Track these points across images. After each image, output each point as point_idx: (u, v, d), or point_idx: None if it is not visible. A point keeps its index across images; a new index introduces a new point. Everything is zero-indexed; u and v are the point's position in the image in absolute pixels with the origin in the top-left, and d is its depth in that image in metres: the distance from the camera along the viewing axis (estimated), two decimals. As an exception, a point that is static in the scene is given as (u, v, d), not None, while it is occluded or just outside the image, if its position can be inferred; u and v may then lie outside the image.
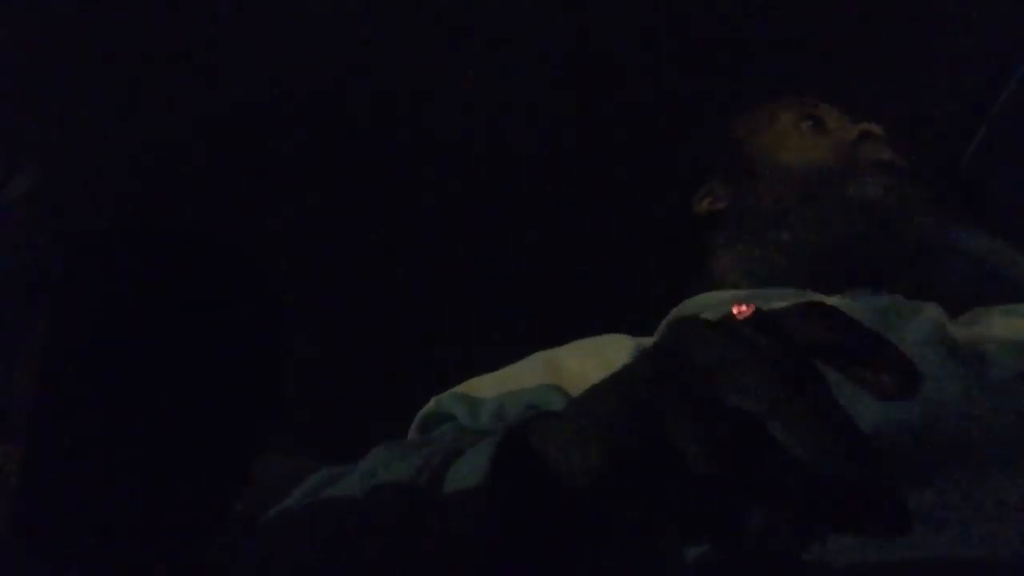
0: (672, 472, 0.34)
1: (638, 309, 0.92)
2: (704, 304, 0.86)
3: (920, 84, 1.05)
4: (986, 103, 1.04)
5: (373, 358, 0.93)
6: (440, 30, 0.99)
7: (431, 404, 0.79)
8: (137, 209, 0.94)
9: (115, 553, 0.42)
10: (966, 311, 0.76)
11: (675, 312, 0.88)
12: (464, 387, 0.79)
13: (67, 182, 0.91)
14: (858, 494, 0.33)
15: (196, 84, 0.95)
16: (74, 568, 0.42)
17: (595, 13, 1.02)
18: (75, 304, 0.44)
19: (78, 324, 0.44)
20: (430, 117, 1.03)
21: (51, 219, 0.85)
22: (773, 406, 0.34)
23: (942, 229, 0.84)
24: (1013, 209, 0.99)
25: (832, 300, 0.74)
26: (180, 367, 0.43)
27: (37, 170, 0.85)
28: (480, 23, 0.99)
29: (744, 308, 0.39)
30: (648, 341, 0.80)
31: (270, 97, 0.98)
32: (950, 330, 0.67)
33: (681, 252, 0.96)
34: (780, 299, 0.79)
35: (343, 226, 1.04)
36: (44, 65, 0.90)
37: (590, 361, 0.76)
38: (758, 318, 0.38)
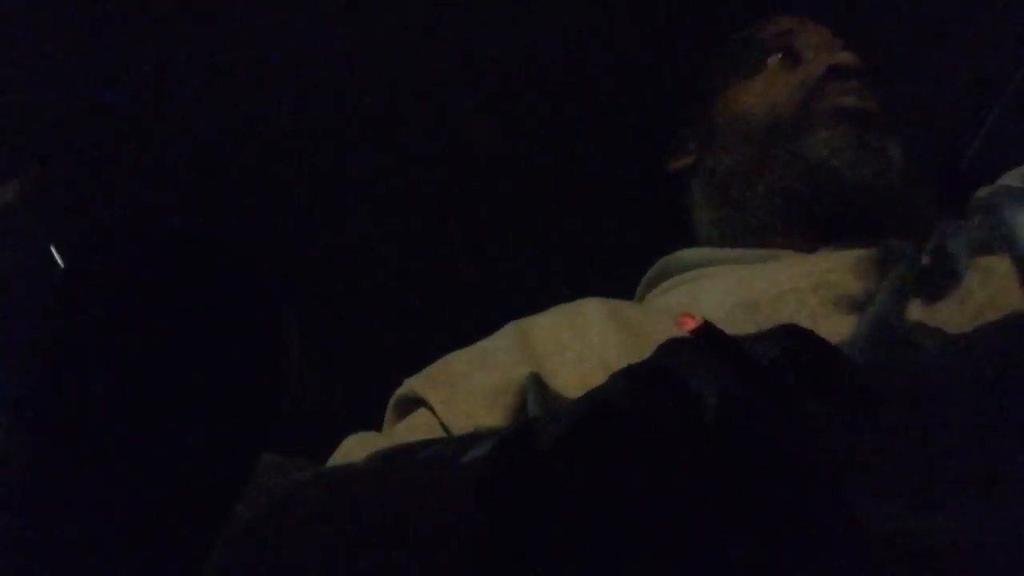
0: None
1: (617, 268, 0.92)
2: (680, 261, 0.85)
3: (920, 84, 1.06)
4: (986, 103, 1.04)
5: (374, 358, 0.93)
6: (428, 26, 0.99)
7: (404, 388, 0.77)
8: (137, 209, 0.94)
9: (114, 553, 0.42)
10: None
11: (652, 270, 0.87)
12: (438, 368, 0.76)
13: (67, 182, 0.91)
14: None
15: (196, 84, 0.95)
16: (72, 567, 0.42)
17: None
18: (75, 304, 0.44)
19: (78, 324, 0.44)
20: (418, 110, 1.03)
21: (51, 219, 0.85)
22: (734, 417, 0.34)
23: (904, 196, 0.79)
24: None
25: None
26: (180, 367, 0.43)
27: (35, 170, 0.85)
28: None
29: (691, 320, 0.39)
30: (624, 304, 0.79)
31: (269, 97, 0.98)
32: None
33: (659, 209, 0.94)
34: (738, 263, 0.78)
35: (343, 225, 1.04)
36: (44, 64, 0.90)
37: (564, 331, 0.75)
38: (718, 337, 0.38)
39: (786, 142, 0.82)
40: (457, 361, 0.76)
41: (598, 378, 0.67)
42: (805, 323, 0.65)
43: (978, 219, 0.72)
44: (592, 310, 0.76)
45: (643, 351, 0.67)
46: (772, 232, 0.81)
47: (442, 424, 0.71)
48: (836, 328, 0.65)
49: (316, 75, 0.98)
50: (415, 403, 0.75)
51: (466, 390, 0.71)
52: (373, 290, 1.04)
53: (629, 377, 0.39)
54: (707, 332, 0.38)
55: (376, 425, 0.79)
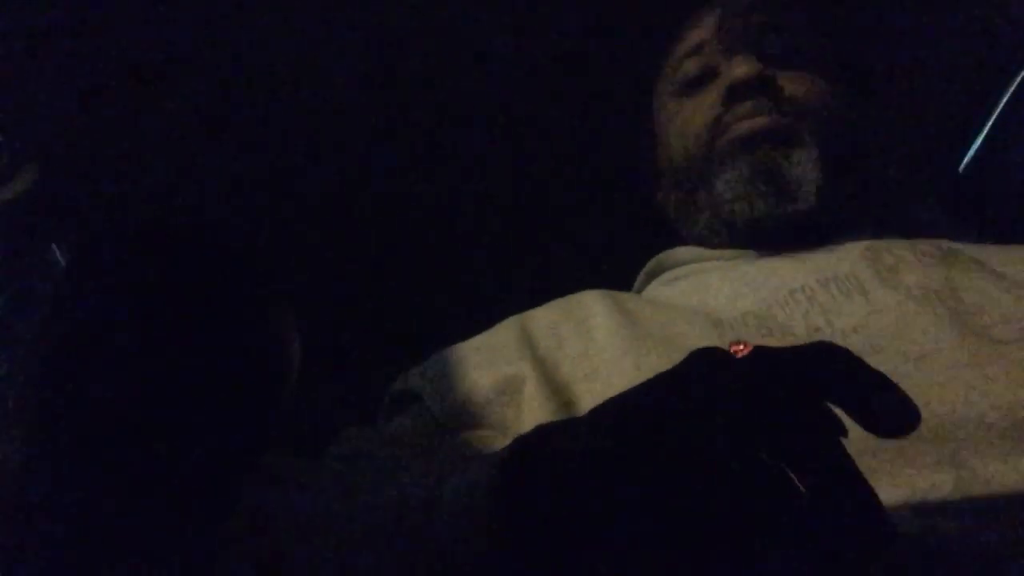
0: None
1: (617, 261, 0.92)
2: (678, 256, 0.84)
3: (920, 83, 1.06)
4: (986, 103, 1.04)
5: (374, 355, 0.93)
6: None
7: (400, 382, 0.76)
8: (137, 209, 0.94)
9: (115, 552, 0.42)
10: None
11: (651, 263, 0.86)
12: (435, 363, 0.75)
13: (67, 182, 0.91)
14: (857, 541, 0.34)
15: (196, 83, 0.95)
16: (72, 567, 0.42)
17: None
18: (75, 303, 0.44)
19: (78, 323, 0.44)
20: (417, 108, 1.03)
21: (51, 219, 0.85)
22: (779, 452, 0.34)
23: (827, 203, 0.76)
24: (1013, 209, 0.99)
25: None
26: (180, 366, 0.43)
27: (35, 170, 0.85)
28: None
29: (742, 347, 0.39)
30: (625, 296, 0.78)
31: (269, 96, 0.98)
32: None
33: (655, 206, 0.93)
34: (737, 259, 0.77)
35: (344, 224, 1.04)
36: (43, 64, 0.90)
37: (565, 325, 0.73)
38: (762, 358, 0.38)
39: (701, 186, 0.81)
40: (455, 357, 0.74)
41: (602, 375, 0.67)
42: (819, 320, 0.66)
43: None
44: (593, 303, 0.74)
45: (649, 347, 0.66)
46: (757, 236, 0.79)
47: (437, 422, 0.70)
48: (851, 320, 0.65)
49: (316, 73, 0.98)
50: (412, 398, 0.74)
51: (463, 388, 0.70)
52: (374, 287, 1.04)
53: (668, 391, 0.39)
54: (759, 357, 0.38)
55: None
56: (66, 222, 0.85)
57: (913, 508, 0.47)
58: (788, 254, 0.75)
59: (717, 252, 0.81)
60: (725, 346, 0.40)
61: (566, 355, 0.70)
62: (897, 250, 0.71)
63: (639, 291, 0.88)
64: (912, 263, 0.69)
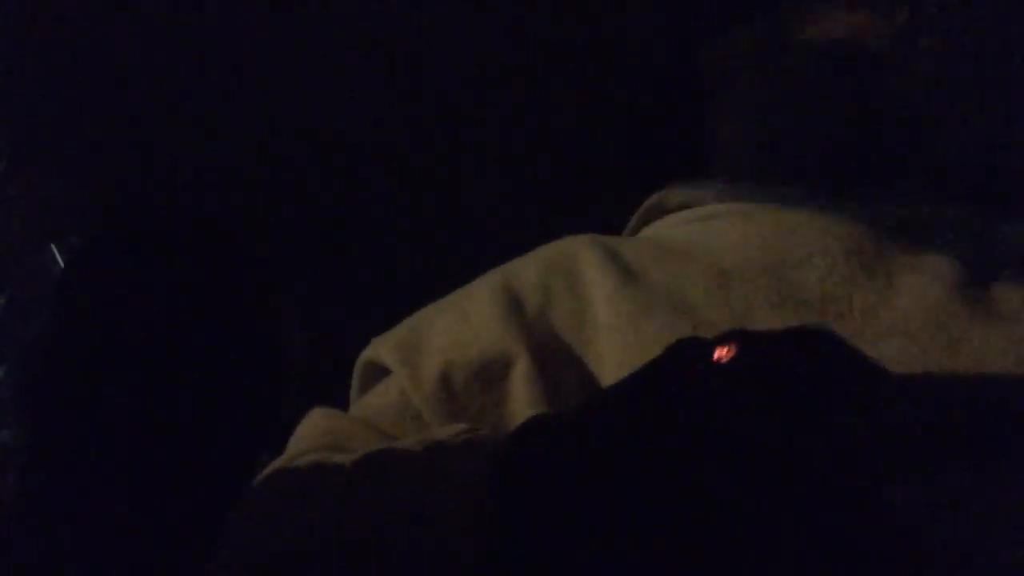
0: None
1: (607, 198, 0.83)
2: (686, 192, 0.75)
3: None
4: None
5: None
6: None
7: (370, 350, 0.70)
8: (137, 208, 0.94)
9: (116, 551, 0.42)
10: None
11: (652, 200, 0.77)
12: (408, 328, 0.69)
13: (67, 182, 0.91)
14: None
15: (196, 84, 0.95)
16: (71, 565, 0.42)
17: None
18: (75, 303, 0.44)
19: (78, 323, 0.44)
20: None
21: (51, 219, 0.85)
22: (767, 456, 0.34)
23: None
24: (1013, 209, 0.99)
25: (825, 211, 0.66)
26: (181, 365, 0.43)
27: (35, 170, 0.85)
28: None
29: (726, 351, 0.38)
30: (619, 242, 0.71)
31: (269, 96, 0.98)
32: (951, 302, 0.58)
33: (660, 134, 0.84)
34: (754, 202, 0.70)
35: (344, 222, 1.04)
36: (43, 64, 0.90)
37: (555, 278, 0.66)
38: (745, 359, 0.37)
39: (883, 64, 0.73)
40: (429, 326, 0.67)
41: (598, 348, 0.60)
42: (837, 291, 0.61)
43: None
44: (585, 255, 0.66)
45: (653, 313, 0.60)
46: (805, 165, 0.71)
47: (412, 407, 0.64)
48: (871, 300, 0.61)
49: (316, 72, 0.98)
50: (382, 371, 0.68)
51: (438, 368, 0.64)
52: (374, 285, 1.04)
53: (642, 392, 0.38)
54: (743, 359, 0.37)
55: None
56: (66, 222, 0.85)
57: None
58: (811, 211, 0.68)
59: (736, 189, 0.73)
60: (728, 307, 0.39)
61: (558, 324, 0.64)
62: (928, 222, 0.66)
63: (634, 231, 0.78)
64: (942, 239, 0.64)
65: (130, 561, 0.42)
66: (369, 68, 1.00)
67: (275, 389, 0.46)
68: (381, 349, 0.68)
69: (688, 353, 0.38)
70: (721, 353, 0.37)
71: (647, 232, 0.75)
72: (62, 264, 0.79)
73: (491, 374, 0.63)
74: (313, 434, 0.64)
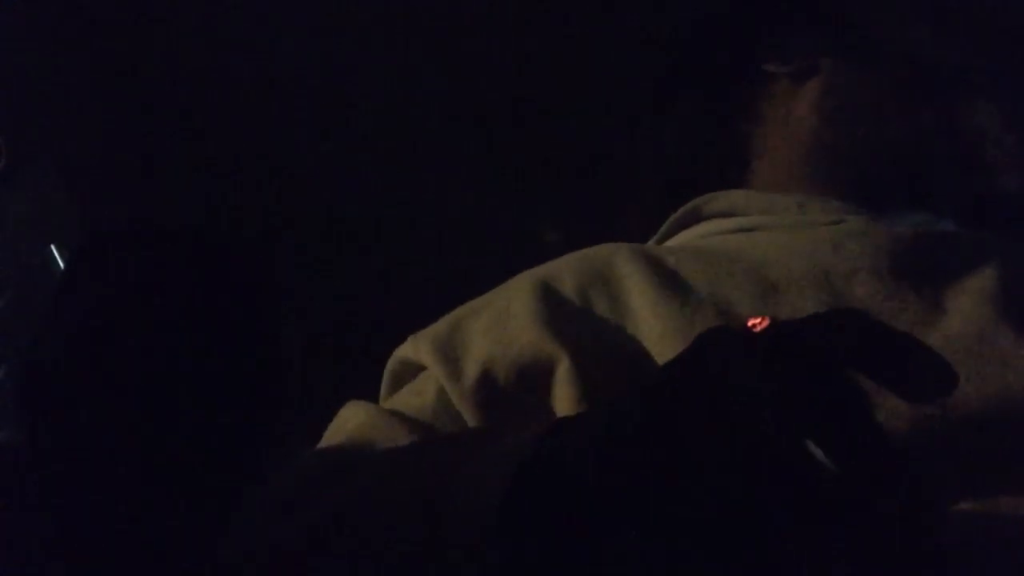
0: (695, 496, 0.33)
1: (640, 207, 0.81)
2: (723, 203, 0.74)
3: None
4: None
5: (374, 350, 0.93)
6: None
7: (407, 347, 0.68)
8: (136, 208, 0.94)
9: (116, 551, 0.42)
10: None
11: (685, 209, 0.75)
12: (447, 325, 0.67)
13: (67, 182, 0.91)
14: (893, 520, 0.32)
15: (195, 83, 0.95)
16: (71, 565, 0.42)
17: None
18: (75, 303, 0.44)
19: (78, 324, 0.44)
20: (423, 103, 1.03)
21: (51, 219, 0.85)
22: (804, 428, 0.33)
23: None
24: (1013, 209, 0.99)
25: (858, 226, 0.65)
26: (180, 365, 0.43)
27: (35, 170, 0.85)
28: None
29: (759, 320, 0.37)
30: (659, 252, 0.69)
31: (268, 95, 0.99)
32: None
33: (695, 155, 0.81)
34: (796, 216, 0.68)
35: (345, 222, 1.04)
36: (43, 64, 0.90)
37: (594, 288, 0.64)
38: (780, 334, 0.36)
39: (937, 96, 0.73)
40: (469, 325, 0.65)
41: (647, 350, 0.58)
42: (884, 307, 0.60)
43: None
44: (623, 263, 0.65)
45: (698, 316, 0.58)
46: (856, 189, 0.70)
47: (449, 401, 0.63)
48: (919, 318, 0.59)
49: (316, 72, 0.98)
50: (417, 369, 0.67)
51: (481, 365, 0.62)
52: (374, 283, 1.04)
53: (676, 384, 0.37)
54: (776, 336, 0.36)
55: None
56: (66, 222, 0.85)
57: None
58: (857, 227, 0.67)
59: (780, 201, 0.72)
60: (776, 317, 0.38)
61: (599, 331, 0.62)
62: (971, 242, 0.65)
63: (664, 238, 0.76)
64: (985, 260, 0.63)
65: (130, 561, 0.42)
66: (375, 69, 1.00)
67: (274, 387, 0.46)
68: (419, 346, 0.66)
69: (720, 336, 0.37)
70: (755, 322, 0.37)
71: (681, 239, 0.74)
72: (62, 264, 0.79)
73: (534, 375, 0.61)
74: (348, 426, 0.63)
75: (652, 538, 0.34)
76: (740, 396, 0.33)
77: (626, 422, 0.37)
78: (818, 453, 0.32)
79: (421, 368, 0.66)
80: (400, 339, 0.76)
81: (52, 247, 0.80)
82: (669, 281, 0.62)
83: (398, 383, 0.68)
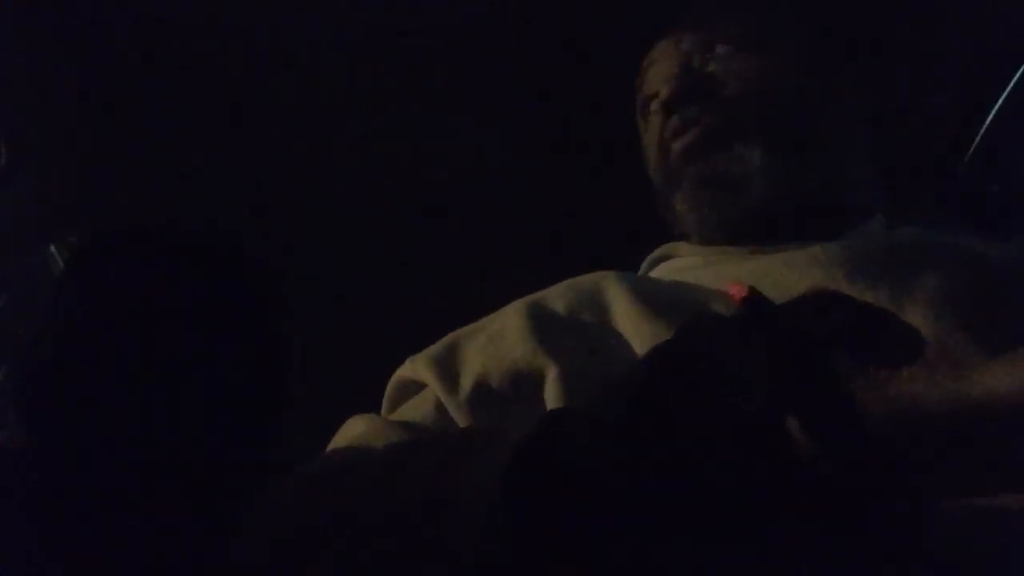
0: (686, 474, 0.34)
1: (626, 247, 0.87)
2: (675, 252, 0.82)
3: (921, 83, 1.05)
4: (986, 103, 1.04)
5: (374, 355, 0.93)
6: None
7: (406, 368, 0.72)
8: (136, 209, 0.94)
9: (115, 551, 0.42)
10: None
11: (658, 252, 0.83)
12: (443, 346, 0.71)
13: (67, 182, 0.91)
14: (869, 495, 0.33)
15: (195, 83, 0.95)
16: (71, 565, 0.42)
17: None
18: (75, 303, 0.44)
19: (78, 324, 0.44)
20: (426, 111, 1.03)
21: (51, 219, 0.85)
22: (784, 403, 0.34)
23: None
24: (1013, 209, 0.99)
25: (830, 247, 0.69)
26: (180, 365, 0.43)
27: (35, 170, 0.85)
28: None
29: (740, 287, 0.38)
30: (645, 280, 0.76)
31: (268, 96, 0.99)
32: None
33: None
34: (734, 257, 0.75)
35: (346, 225, 1.04)
36: (43, 64, 0.90)
37: (584, 311, 0.69)
38: (762, 311, 0.37)
39: (668, 200, 0.81)
40: (464, 345, 0.70)
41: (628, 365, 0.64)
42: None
43: None
44: (610, 286, 0.70)
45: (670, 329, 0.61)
46: (738, 230, 0.77)
47: (446, 414, 0.67)
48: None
49: (317, 71, 0.98)
50: (416, 388, 0.71)
51: (475, 377, 0.66)
52: (375, 284, 1.04)
53: (666, 365, 0.38)
54: (755, 303, 0.37)
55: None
56: (66, 222, 0.85)
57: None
58: (812, 249, 0.71)
59: (712, 250, 0.79)
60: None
61: (587, 343, 0.67)
62: (923, 250, 0.68)
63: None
64: (939, 268, 0.66)
65: (130, 560, 0.42)
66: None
67: (275, 388, 0.46)
68: (417, 366, 0.70)
69: (702, 321, 0.39)
70: (736, 288, 0.38)
71: (658, 273, 0.80)
72: (62, 264, 0.79)
73: (526, 383, 0.64)
74: (351, 435, 0.66)
75: (645, 512, 0.35)
76: (724, 374, 0.35)
77: (618, 402, 0.38)
78: (796, 430, 0.33)
79: (420, 387, 0.70)
80: (400, 341, 0.78)
81: (52, 247, 0.80)
82: (651, 301, 0.67)
83: (398, 402, 0.71)
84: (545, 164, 1.06)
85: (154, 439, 0.42)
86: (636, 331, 0.65)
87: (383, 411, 0.73)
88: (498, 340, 0.69)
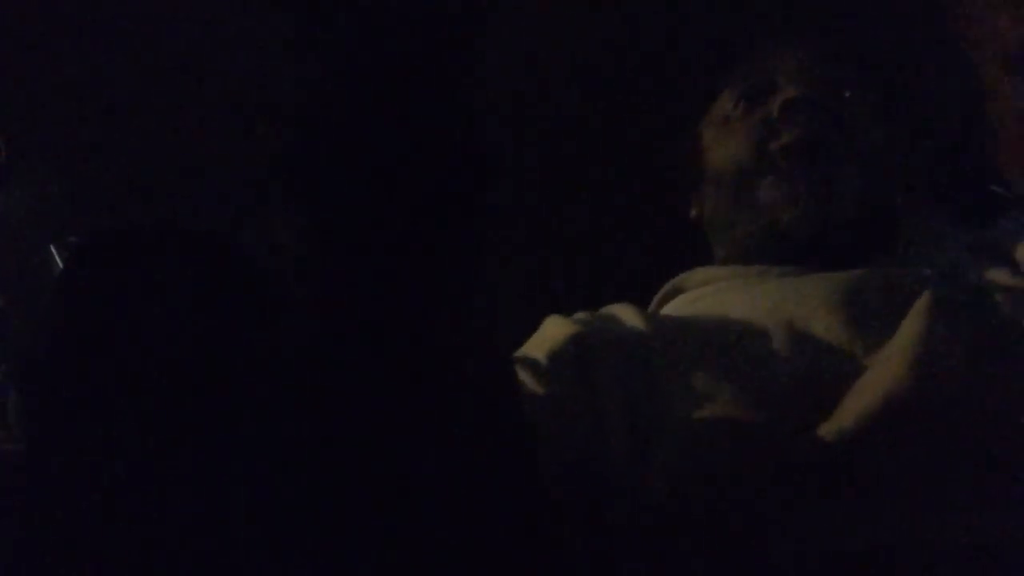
0: None
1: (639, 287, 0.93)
2: (698, 276, 0.88)
3: (921, 83, 1.05)
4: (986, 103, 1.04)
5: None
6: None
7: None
8: (136, 210, 0.94)
9: (115, 551, 0.42)
10: None
11: (669, 285, 0.89)
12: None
13: (67, 182, 0.91)
14: None
15: (196, 84, 0.95)
16: (71, 564, 0.42)
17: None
18: (75, 303, 0.44)
19: (77, 324, 0.44)
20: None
21: (51, 219, 0.85)
22: None
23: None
24: (1013, 210, 0.99)
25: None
26: (179, 365, 0.43)
27: (35, 170, 0.85)
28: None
29: None
30: (661, 318, 0.83)
31: (268, 96, 0.98)
32: None
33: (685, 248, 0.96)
34: (760, 276, 0.81)
35: (346, 226, 1.04)
36: (43, 64, 0.90)
37: (601, 319, 0.78)
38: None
39: (748, 190, 0.85)
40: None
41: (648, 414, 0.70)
42: (841, 338, 0.70)
43: None
44: (626, 314, 0.78)
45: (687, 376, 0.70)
46: (768, 261, 0.83)
47: None
48: (870, 345, 0.68)
49: (314, 74, 0.98)
50: None
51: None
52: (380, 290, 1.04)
53: None
54: None
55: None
56: (66, 222, 0.85)
57: None
58: (810, 277, 0.78)
59: (737, 269, 0.84)
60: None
61: (607, 326, 0.76)
62: (909, 281, 0.73)
63: (655, 309, 0.91)
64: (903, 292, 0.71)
65: (129, 560, 0.42)
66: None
67: (274, 388, 0.46)
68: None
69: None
70: None
71: (667, 310, 0.87)
72: (62, 264, 0.79)
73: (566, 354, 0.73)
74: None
75: None
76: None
77: None
78: None
79: None
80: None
81: (52, 247, 0.80)
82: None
83: None
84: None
85: (154, 439, 0.42)
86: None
87: None
88: (538, 338, 0.78)
